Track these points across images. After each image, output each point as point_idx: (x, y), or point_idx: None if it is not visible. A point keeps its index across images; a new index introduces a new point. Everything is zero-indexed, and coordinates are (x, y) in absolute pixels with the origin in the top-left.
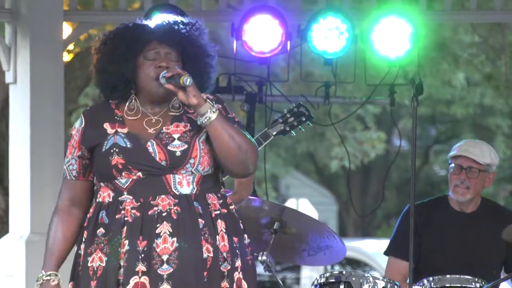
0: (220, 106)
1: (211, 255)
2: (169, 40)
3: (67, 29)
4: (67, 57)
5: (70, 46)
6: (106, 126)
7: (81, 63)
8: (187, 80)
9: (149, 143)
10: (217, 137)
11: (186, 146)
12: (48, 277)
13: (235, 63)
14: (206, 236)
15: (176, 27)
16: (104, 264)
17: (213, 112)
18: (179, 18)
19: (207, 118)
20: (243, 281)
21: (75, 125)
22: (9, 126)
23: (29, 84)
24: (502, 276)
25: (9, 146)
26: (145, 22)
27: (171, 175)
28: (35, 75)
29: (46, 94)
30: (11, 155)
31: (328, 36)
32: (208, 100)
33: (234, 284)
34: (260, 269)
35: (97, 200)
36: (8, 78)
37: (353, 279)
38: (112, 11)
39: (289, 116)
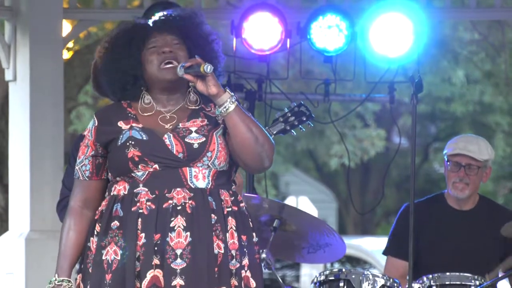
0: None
1: (222, 251)
2: (168, 28)
3: (66, 27)
4: (66, 55)
5: (70, 44)
6: (120, 123)
7: (80, 60)
8: (207, 67)
9: (165, 136)
10: (234, 127)
11: (204, 139)
12: (60, 283)
13: (235, 61)
14: (218, 232)
15: (173, 15)
16: (119, 258)
17: (232, 102)
18: (175, 9)
19: (226, 108)
20: (251, 279)
21: (87, 126)
22: (9, 124)
23: (29, 82)
24: (500, 274)
25: (9, 143)
26: (143, 20)
27: (188, 168)
28: (35, 73)
29: (46, 91)
30: (11, 153)
31: (327, 33)
32: (227, 90)
33: (242, 282)
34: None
35: (112, 194)
36: (8, 76)
37: (353, 276)
38: (111, 8)
39: (289, 115)
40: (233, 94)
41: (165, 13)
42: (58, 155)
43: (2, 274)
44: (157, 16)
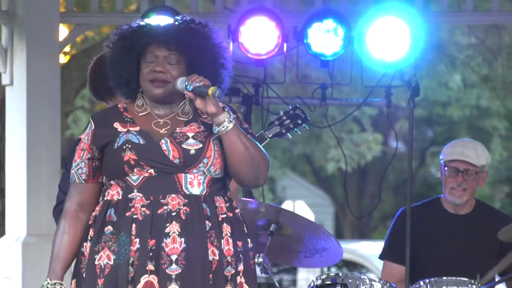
0: (234, 116)
1: (217, 258)
2: (167, 43)
3: (63, 31)
4: (63, 59)
5: (67, 48)
6: (117, 125)
7: (77, 65)
8: (216, 92)
9: (162, 141)
10: (232, 147)
11: (200, 145)
12: (53, 286)
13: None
14: (212, 239)
15: (175, 30)
16: (112, 262)
17: (230, 121)
18: (181, 18)
19: (225, 127)
20: (245, 284)
21: (84, 130)
22: (6, 128)
23: (26, 86)
24: (496, 279)
25: (6, 148)
26: (147, 22)
27: (183, 174)
28: (32, 77)
29: (43, 96)
30: (8, 157)
31: (324, 38)
32: (226, 109)
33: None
34: (256, 271)
35: (105, 198)
36: (5, 80)
37: (350, 281)
38: (108, 13)
39: (285, 118)
40: (231, 113)
41: (168, 23)
42: (55, 159)
43: None
44: (160, 22)
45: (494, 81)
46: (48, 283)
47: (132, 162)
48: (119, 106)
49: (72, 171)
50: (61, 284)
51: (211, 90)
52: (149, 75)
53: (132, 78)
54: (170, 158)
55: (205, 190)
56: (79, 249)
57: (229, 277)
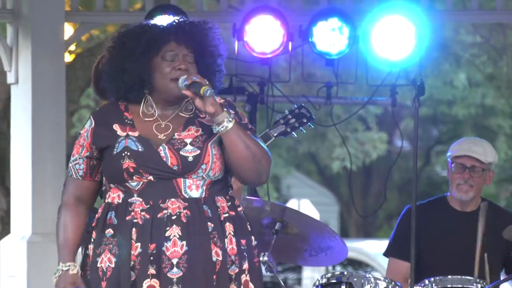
0: (233, 112)
1: (220, 258)
2: (187, 41)
3: (68, 30)
4: (68, 58)
5: (72, 47)
6: (116, 127)
7: (82, 63)
8: (207, 91)
9: (160, 147)
10: (232, 146)
11: (198, 151)
12: (68, 267)
13: (237, 64)
14: (215, 239)
15: (192, 28)
16: (113, 265)
17: (230, 121)
18: (192, 18)
19: (224, 127)
20: (250, 283)
21: (84, 125)
22: (11, 126)
23: (31, 84)
24: (502, 277)
25: (11, 146)
26: (157, 22)
27: (182, 179)
28: (37, 76)
29: (48, 94)
30: (13, 156)
31: (329, 36)
32: (225, 109)
33: (242, 286)
34: (262, 269)
35: (106, 201)
36: (10, 78)
37: (355, 279)
38: (113, 11)
39: (290, 117)
40: (230, 112)
41: (183, 20)
42: (59, 157)
43: (4, 277)
44: (176, 21)
45: (499, 79)
46: (62, 266)
47: (131, 170)
48: (120, 103)
49: (70, 165)
50: (74, 265)
51: (202, 89)
52: (172, 73)
53: (147, 77)
54: (169, 164)
55: (205, 193)
56: (84, 252)
57: (233, 276)
